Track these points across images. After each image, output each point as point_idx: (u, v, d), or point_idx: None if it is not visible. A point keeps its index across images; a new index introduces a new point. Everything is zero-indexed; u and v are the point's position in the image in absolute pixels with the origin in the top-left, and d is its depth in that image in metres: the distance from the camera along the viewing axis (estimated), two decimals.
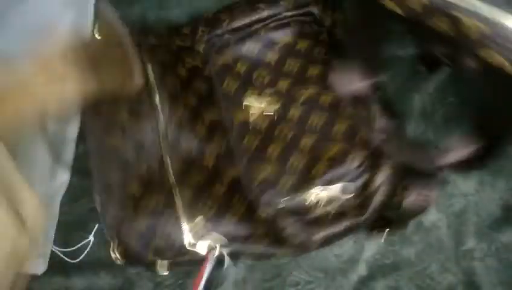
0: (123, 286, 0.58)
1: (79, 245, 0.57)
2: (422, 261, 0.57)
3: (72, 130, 0.63)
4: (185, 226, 0.52)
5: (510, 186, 0.58)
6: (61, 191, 0.60)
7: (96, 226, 0.59)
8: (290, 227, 0.53)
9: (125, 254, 0.53)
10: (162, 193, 0.53)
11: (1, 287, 0.35)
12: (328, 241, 0.54)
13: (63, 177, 0.61)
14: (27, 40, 0.64)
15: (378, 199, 0.51)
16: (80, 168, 0.62)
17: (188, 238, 0.52)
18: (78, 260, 0.57)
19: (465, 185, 0.58)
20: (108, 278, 0.58)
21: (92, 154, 0.55)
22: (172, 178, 0.54)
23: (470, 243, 0.57)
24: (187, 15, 0.67)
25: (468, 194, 0.58)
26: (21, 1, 0.65)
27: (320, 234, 0.53)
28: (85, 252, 0.56)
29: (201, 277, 0.53)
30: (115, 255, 0.53)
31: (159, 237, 0.52)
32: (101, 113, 0.56)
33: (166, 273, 0.54)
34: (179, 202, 0.53)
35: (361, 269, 0.57)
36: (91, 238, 0.56)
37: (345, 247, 0.57)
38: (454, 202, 0.58)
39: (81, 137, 0.63)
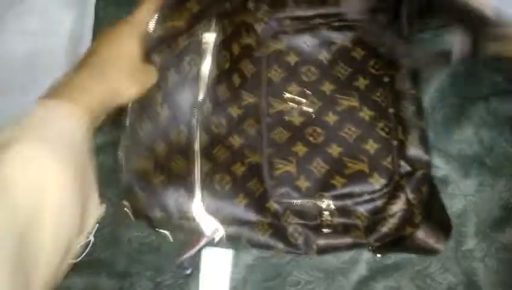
0: (123, 286, 0.58)
1: (79, 245, 0.57)
2: (422, 262, 0.57)
3: None
4: (198, 195, 0.53)
5: (510, 186, 0.58)
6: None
7: (97, 226, 0.59)
8: (294, 227, 0.53)
9: (135, 206, 0.54)
10: (184, 158, 0.54)
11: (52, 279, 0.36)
12: (327, 250, 0.54)
13: None
14: (27, 40, 0.64)
15: (386, 228, 0.51)
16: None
17: (197, 207, 0.53)
18: (78, 260, 0.57)
19: (465, 185, 0.58)
20: (109, 278, 0.58)
21: (131, 108, 0.56)
22: (197, 146, 0.55)
23: (470, 243, 0.57)
24: None
25: (468, 195, 0.58)
26: (21, 1, 0.65)
27: (321, 242, 0.53)
28: (85, 252, 0.56)
29: (194, 247, 0.54)
30: (127, 208, 0.54)
31: (169, 197, 0.53)
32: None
33: (167, 233, 0.55)
34: (197, 170, 0.53)
35: (362, 269, 0.57)
36: (91, 238, 0.57)
37: None
38: (455, 202, 0.58)
39: None
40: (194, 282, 0.57)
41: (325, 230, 0.51)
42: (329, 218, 0.49)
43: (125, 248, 0.59)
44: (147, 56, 0.54)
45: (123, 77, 0.47)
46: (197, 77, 0.56)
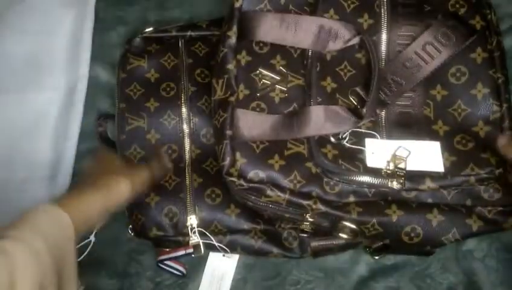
0: (123, 286, 0.58)
1: (80, 245, 0.57)
2: (422, 262, 0.57)
3: (74, 130, 0.63)
4: (190, 211, 0.54)
5: None
6: (63, 191, 0.61)
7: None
8: (288, 231, 0.54)
9: (135, 228, 0.55)
10: (176, 175, 0.56)
11: None
12: (322, 252, 0.54)
13: (65, 178, 0.61)
14: (27, 40, 0.64)
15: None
16: (81, 168, 0.62)
17: (191, 222, 0.54)
18: (78, 260, 0.57)
19: None
20: (109, 278, 0.58)
21: (118, 132, 0.58)
22: (187, 161, 0.56)
23: (470, 243, 0.57)
24: (187, 15, 0.67)
25: None
26: (21, 1, 0.65)
27: (315, 245, 0.54)
28: (86, 252, 0.56)
29: (171, 254, 0.55)
30: (130, 231, 0.56)
31: (164, 215, 0.54)
32: (130, 97, 0.58)
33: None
34: (189, 185, 0.55)
35: (362, 270, 0.57)
36: (92, 238, 0.56)
37: None
38: None
39: (82, 137, 0.63)
40: (194, 283, 0.58)
41: (316, 227, 0.51)
42: (318, 218, 0.49)
43: (125, 248, 0.59)
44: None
45: (116, 178, 0.47)
46: (176, 97, 0.58)
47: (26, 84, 0.63)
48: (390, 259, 0.57)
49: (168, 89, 0.58)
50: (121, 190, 0.47)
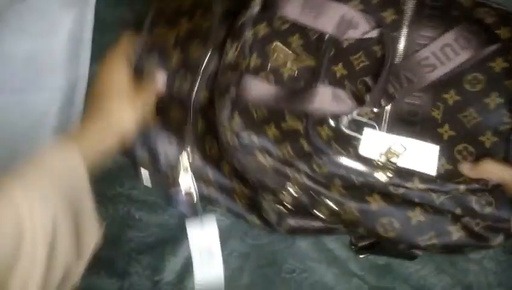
0: (123, 286, 0.58)
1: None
2: (415, 263, 0.57)
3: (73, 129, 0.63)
4: (188, 149, 0.54)
5: None
6: None
7: None
8: (268, 203, 0.53)
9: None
10: (180, 113, 0.54)
11: None
12: (298, 231, 0.53)
13: None
14: (27, 40, 0.64)
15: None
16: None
17: (184, 160, 0.54)
18: None
19: None
20: (109, 277, 0.59)
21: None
22: (196, 101, 0.55)
23: None
24: None
25: None
26: (21, 1, 0.65)
27: (292, 222, 0.52)
28: None
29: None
30: None
31: (160, 142, 0.54)
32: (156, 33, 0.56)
33: (149, 185, 0.55)
34: (189, 127, 0.54)
35: (355, 269, 0.58)
36: None
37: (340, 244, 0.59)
38: None
39: None
40: (191, 279, 0.58)
41: (294, 204, 0.51)
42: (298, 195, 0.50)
43: (124, 248, 0.59)
44: (138, 74, 0.53)
45: (120, 105, 0.47)
46: (208, 36, 0.54)
47: (26, 84, 0.63)
48: (384, 259, 0.58)
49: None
50: (130, 121, 0.47)
